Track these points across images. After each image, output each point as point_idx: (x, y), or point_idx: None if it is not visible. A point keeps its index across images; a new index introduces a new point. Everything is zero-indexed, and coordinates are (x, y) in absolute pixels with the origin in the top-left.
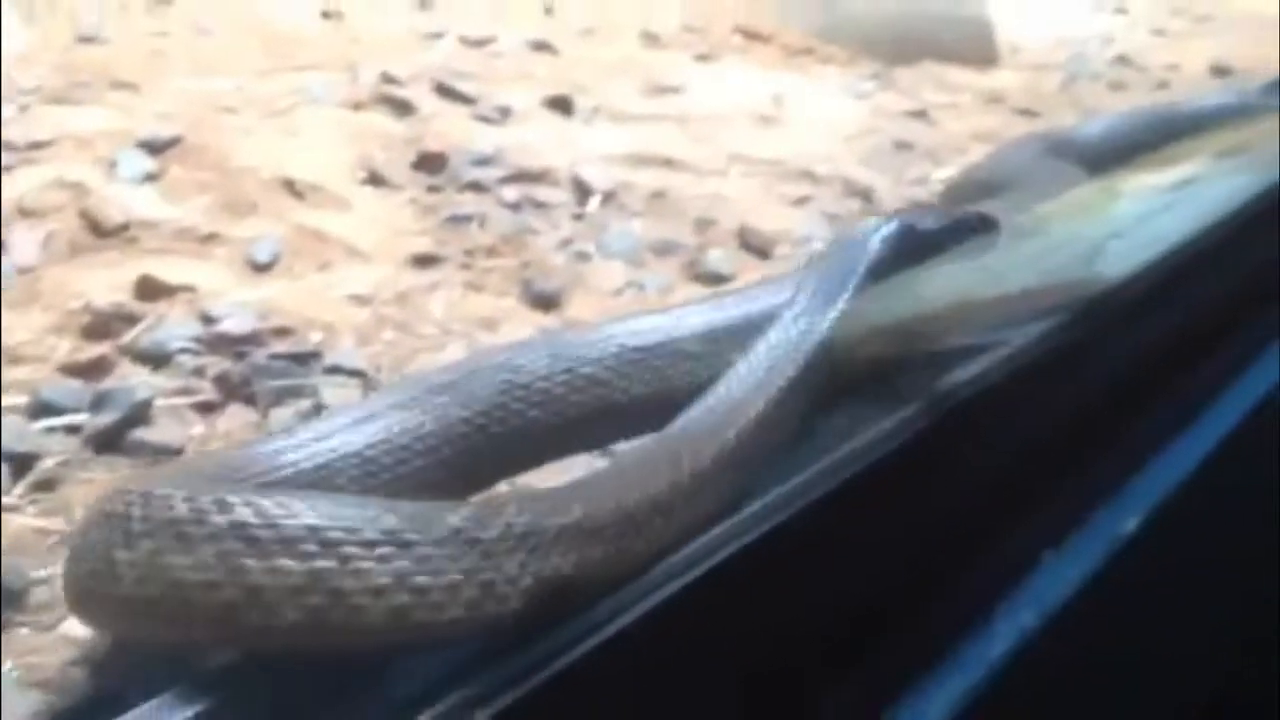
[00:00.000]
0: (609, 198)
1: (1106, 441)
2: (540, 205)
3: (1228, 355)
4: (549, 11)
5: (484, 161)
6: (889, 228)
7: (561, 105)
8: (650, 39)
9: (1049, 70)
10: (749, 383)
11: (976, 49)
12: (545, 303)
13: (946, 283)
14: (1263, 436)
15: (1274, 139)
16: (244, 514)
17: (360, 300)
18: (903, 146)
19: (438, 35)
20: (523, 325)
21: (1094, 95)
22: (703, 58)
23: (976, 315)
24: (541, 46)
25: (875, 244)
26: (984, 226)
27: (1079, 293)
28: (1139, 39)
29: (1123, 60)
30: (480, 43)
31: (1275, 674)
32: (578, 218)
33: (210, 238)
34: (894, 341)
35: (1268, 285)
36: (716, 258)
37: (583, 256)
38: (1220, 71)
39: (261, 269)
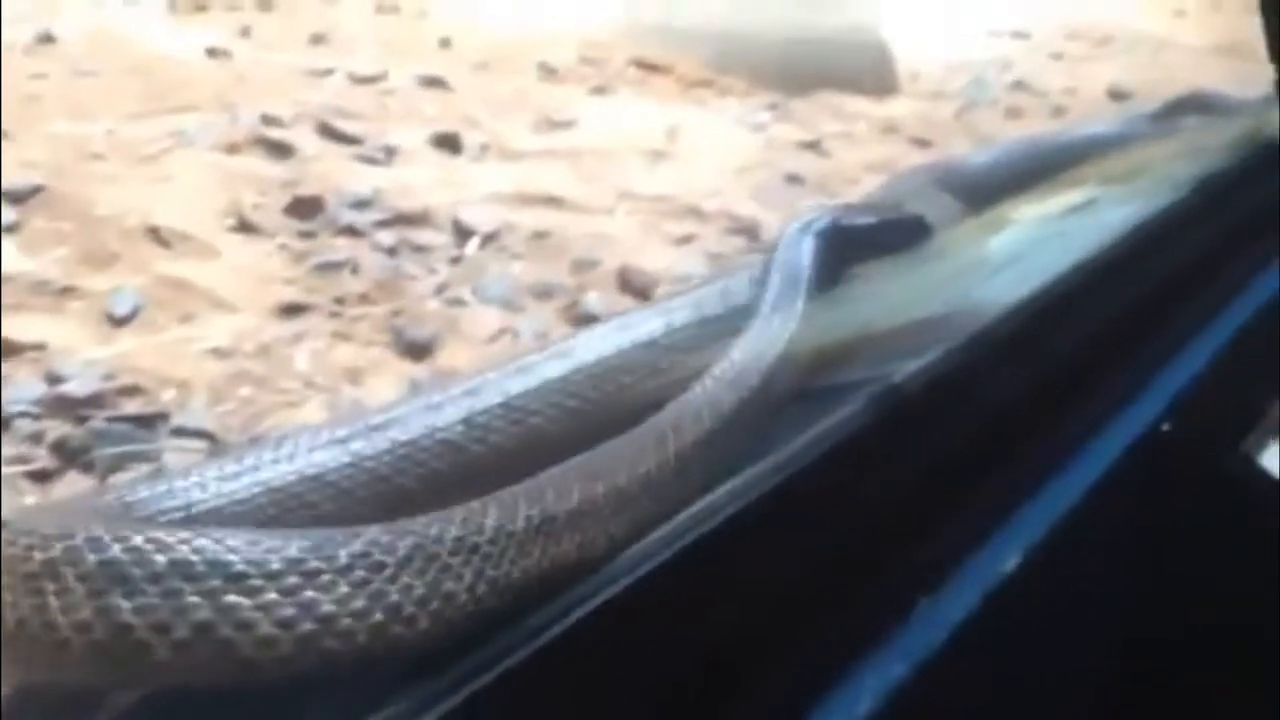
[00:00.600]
0: (490, 239)
1: (985, 479)
2: (418, 249)
3: (1110, 390)
4: (445, 44)
5: (362, 204)
6: (821, 224)
7: (449, 143)
8: (547, 72)
9: (946, 98)
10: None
11: (875, 77)
12: (416, 351)
13: (838, 315)
14: (1143, 472)
15: (1162, 165)
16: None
17: (220, 354)
18: (794, 180)
19: (327, 72)
20: (390, 376)
21: (990, 122)
22: (599, 90)
23: (865, 349)
24: (434, 82)
25: (810, 246)
26: (918, 228)
27: (963, 325)
28: (1037, 63)
29: (1020, 86)
30: (370, 79)
31: (1153, 714)
32: (455, 261)
33: (67, 291)
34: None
35: (1150, 318)
36: (595, 300)
37: (457, 302)
38: (1118, 95)
39: (120, 323)
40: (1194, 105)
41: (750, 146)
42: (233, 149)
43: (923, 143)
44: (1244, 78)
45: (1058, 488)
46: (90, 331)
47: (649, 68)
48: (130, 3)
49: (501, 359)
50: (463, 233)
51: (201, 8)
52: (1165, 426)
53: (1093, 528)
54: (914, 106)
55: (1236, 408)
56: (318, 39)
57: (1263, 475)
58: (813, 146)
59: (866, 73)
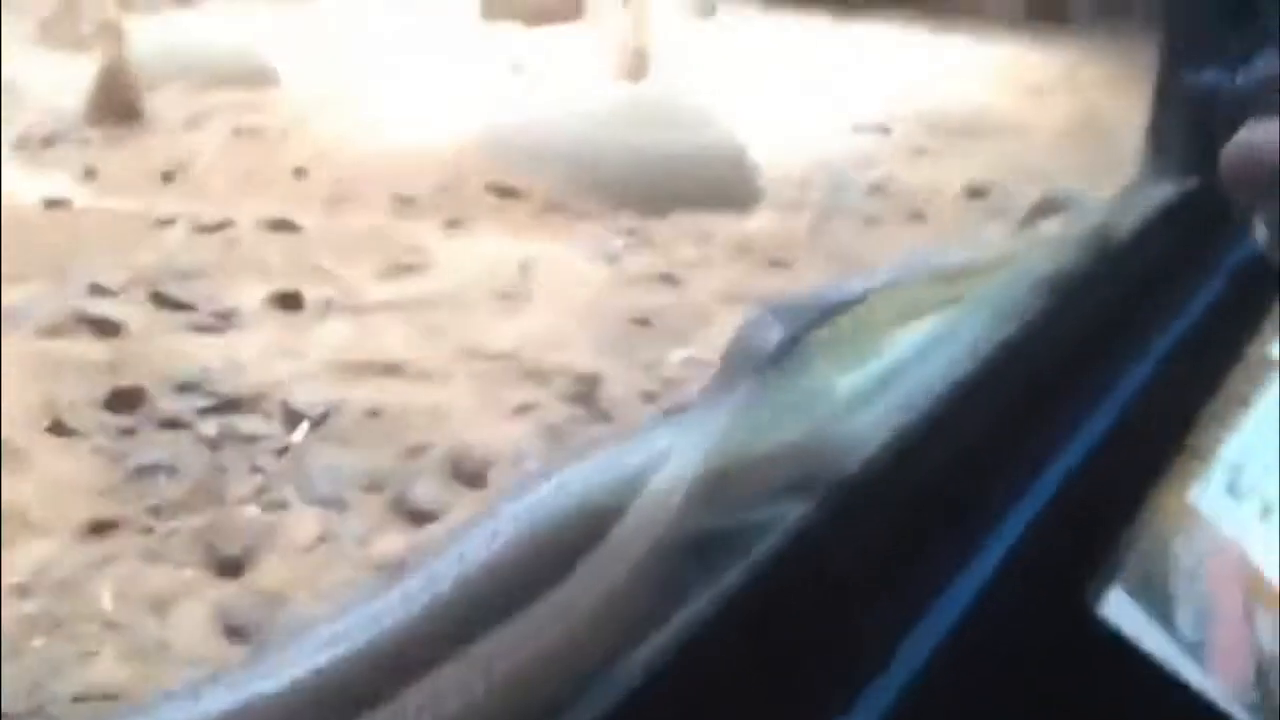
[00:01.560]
0: (319, 423)
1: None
2: (243, 439)
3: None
4: (300, 174)
5: (189, 388)
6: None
7: (290, 302)
8: (402, 203)
9: (805, 208)
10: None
11: (736, 189)
12: (231, 568)
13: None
14: (990, 625)
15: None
16: None
17: (21, 592)
18: (641, 323)
19: (169, 222)
20: (201, 602)
21: (848, 233)
22: (452, 224)
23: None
24: (281, 225)
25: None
26: None
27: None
28: (899, 161)
29: (878, 189)
30: (215, 227)
31: None
32: (282, 452)
33: None
34: None
35: (1003, 443)
36: (425, 492)
37: (278, 505)
38: (976, 193)
39: None
40: (1051, 208)
41: (602, 281)
42: (56, 331)
43: (779, 264)
44: (1100, 165)
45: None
46: None
47: (504, 192)
48: None
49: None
50: (292, 417)
51: (49, 143)
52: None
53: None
54: (771, 220)
55: (1082, 546)
56: (168, 176)
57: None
58: (666, 280)
59: (726, 186)
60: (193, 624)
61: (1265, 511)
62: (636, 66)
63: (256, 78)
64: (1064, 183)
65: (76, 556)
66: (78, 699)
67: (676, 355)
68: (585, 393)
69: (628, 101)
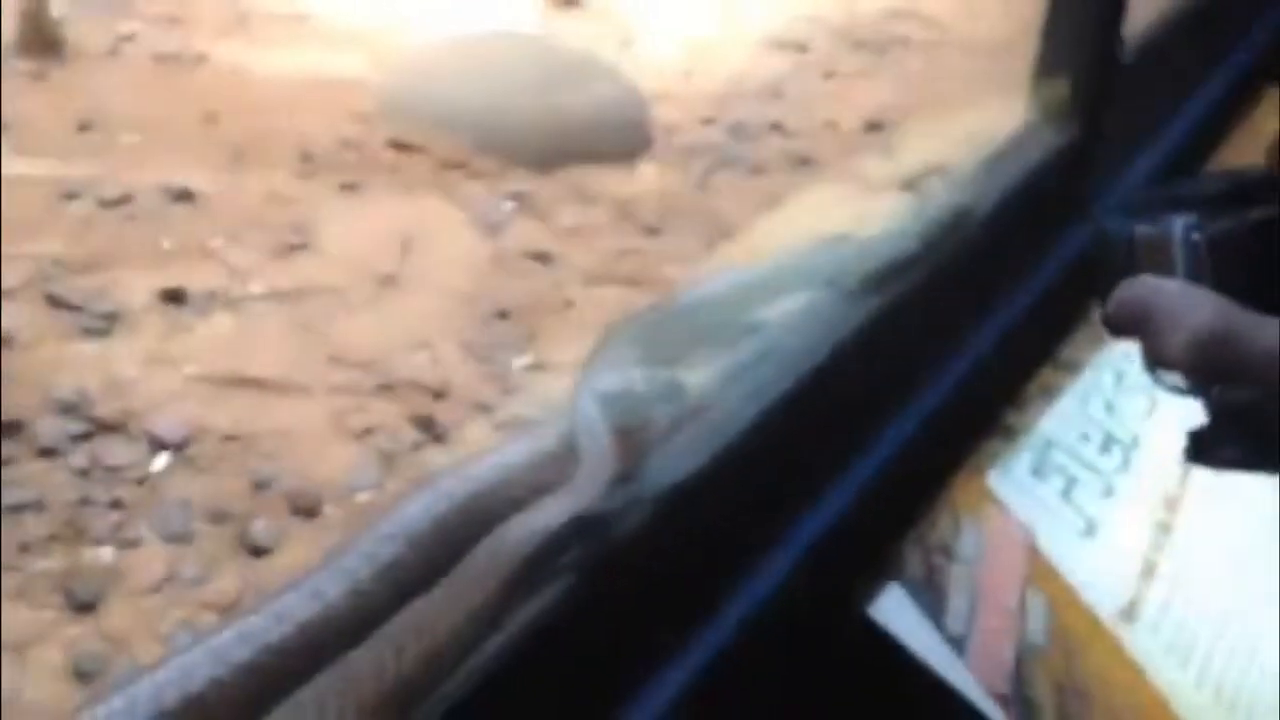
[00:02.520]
0: (180, 450)
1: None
2: (109, 470)
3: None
4: (211, 119)
5: (67, 409)
6: None
7: (175, 296)
8: (305, 160)
9: (696, 156)
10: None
11: (628, 137)
12: (85, 608)
13: None
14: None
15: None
16: None
17: None
18: (502, 316)
19: (75, 195)
20: (56, 645)
21: (731, 187)
22: (348, 187)
23: None
24: (182, 196)
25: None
26: None
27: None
28: (807, 86)
29: (777, 127)
30: (118, 201)
31: None
32: (141, 482)
33: None
34: None
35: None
36: (263, 528)
37: (131, 543)
38: (872, 127)
39: None
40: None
41: (480, 260)
42: None
43: (654, 232)
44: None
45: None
46: None
47: (404, 148)
48: None
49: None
50: (155, 444)
51: None
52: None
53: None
54: (659, 176)
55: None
56: (84, 126)
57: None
58: (539, 257)
59: (619, 135)
60: (47, 668)
61: (1067, 489)
62: None
63: None
64: (968, 113)
65: None
66: None
67: (520, 360)
68: (427, 413)
69: (539, 46)
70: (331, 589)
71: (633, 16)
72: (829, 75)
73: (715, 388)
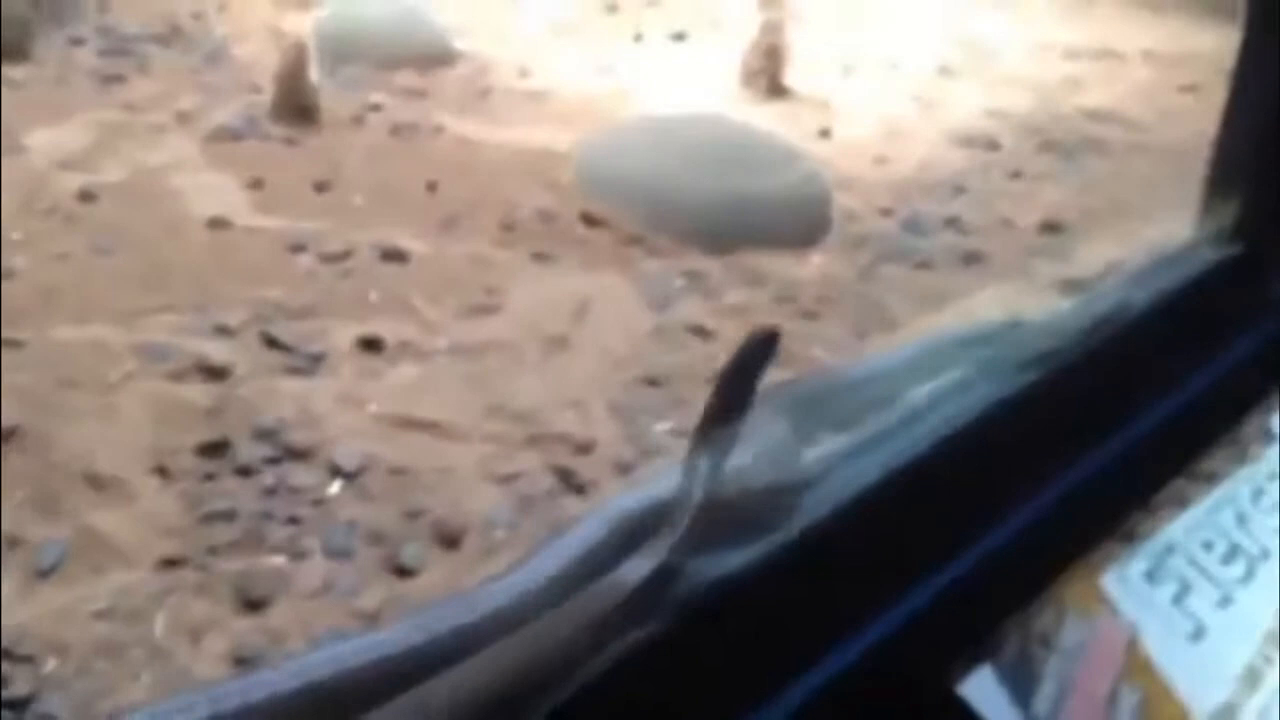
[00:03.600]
0: (353, 478)
1: None
2: (292, 490)
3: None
4: (431, 189)
5: (264, 436)
6: None
7: (373, 345)
8: (506, 229)
9: (867, 245)
10: None
11: (807, 224)
12: (254, 606)
13: None
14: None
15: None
16: None
17: (101, 616)
18: (652, 384)
19: (302, 248)
20: (225, 636)
21: (896, 280)
22: (540, 256)
23: None
24: (394, 256)
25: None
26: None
27: None
28: (990, 184)
29: (953, 222)
30: (339, 256)
31: None
32: (317, 503)
33: (13, 542)
34: None
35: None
36: (411, 553)
37: (301, 554)
38: (1049, 228)
39: (43, 575)
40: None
41: (645, 331)
42: (178, 376)
43: (811, 316)
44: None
45: None
46: (17, 586)
47: (593, 222)
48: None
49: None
50: (333, 471)
51: (239, 137)
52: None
53: None
54: (827, 261)
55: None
56: (321, 187)
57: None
58: (698, 332)
59: (796, 221)
60: (212, 654)
61: (1180, 594)
62: (768, 74)
63: (435, 58)
64: (1146, 221)
65: (147, 587)
66: None
67: (662, 425)
68: (568, 465)
69: (733, 130)
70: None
71: (836, 105)
72: (1014, 175)
73: (843, 454)
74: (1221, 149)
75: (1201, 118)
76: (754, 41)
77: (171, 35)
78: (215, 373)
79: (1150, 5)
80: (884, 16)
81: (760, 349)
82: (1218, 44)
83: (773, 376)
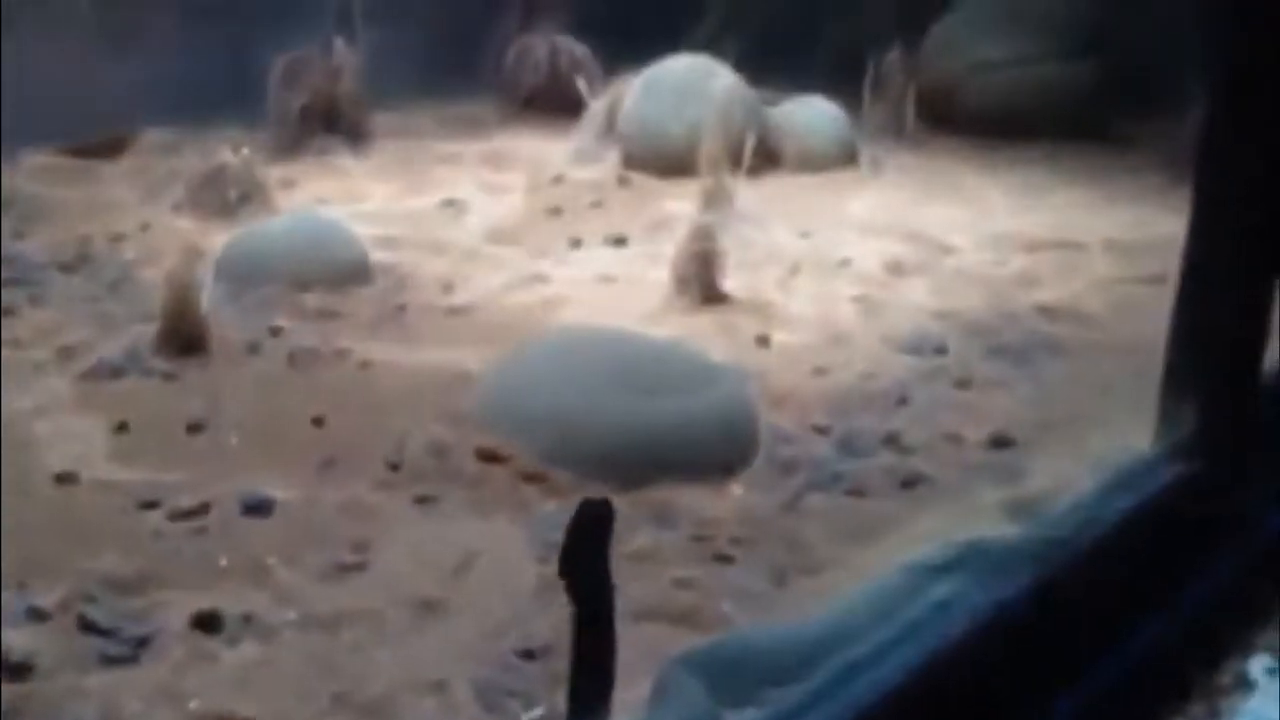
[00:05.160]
0: None
1: None
2: None
3: None
4: (318, 424)
5: None
6: None
7: (210, 622)
8: (392, 469)
9: (795, 472)
10: None
11: (730, 452)
12: None
13: None
14: None
15: None
16: None
17: None
18: (527, 656)
19: (154, 504)
20: None
21: (825, 511)
22: (424, 501)
23: None
24: (258, 508)
25: None
26: None
27: None
28: (937, 394)
29: (893, 440)
30: (194, 511)
31: None
32: None
33: None
34: None
35: None
36: None
37: None
38: (999, 444)
39: None
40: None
41: (530, 586)
42: None
43: (726, 560)
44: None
45: None
46: None
47: (490, 458)
48: None
49: None
50: None
51: (118, 374)
52: None
53: None
54: (750, 492)
55: None
56: (194, 428)
57: None
58: None
59: (719, 452)
60: None
61: None
62: (701, 280)
63: (351, 275)
64: (1102, 431)
65: None
66: None
67: (531, 713)
68: None
69: (655, 348)
70: None
71: (777, 309)
72: (962, 384)
73: None
74: (1172, 355)
75: (1165, 311)
76: (681, 247)
77: (78, 261)
78: (15, 670)
79: (1109, 195)
80: (837, 211)
81: (589, 527)
82: (1150, 220)
83: (685, 639)
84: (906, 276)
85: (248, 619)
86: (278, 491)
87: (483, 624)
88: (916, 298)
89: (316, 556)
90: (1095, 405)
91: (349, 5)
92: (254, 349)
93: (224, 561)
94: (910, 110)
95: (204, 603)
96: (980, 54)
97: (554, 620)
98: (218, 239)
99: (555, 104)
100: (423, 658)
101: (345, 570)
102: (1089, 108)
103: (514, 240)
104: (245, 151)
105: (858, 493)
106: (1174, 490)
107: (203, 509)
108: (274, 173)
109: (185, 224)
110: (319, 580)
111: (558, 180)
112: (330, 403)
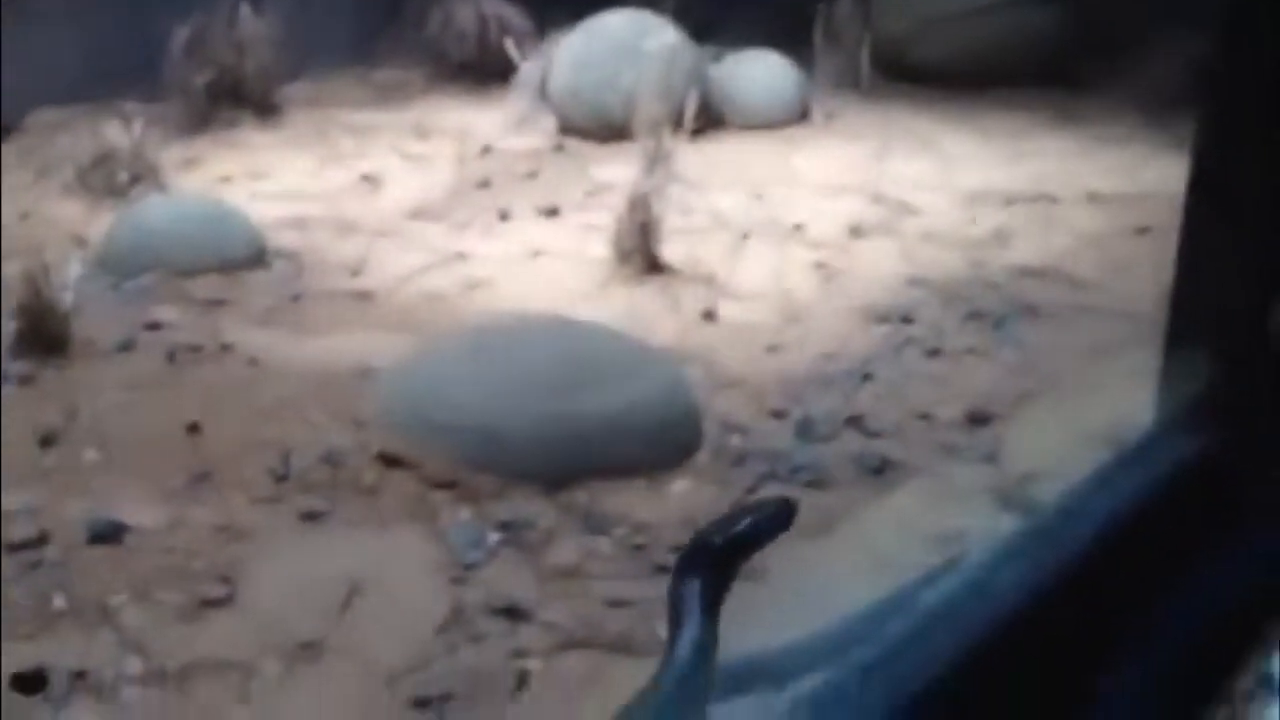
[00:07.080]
0: None
1: None
2: None
3: None
4: (193, 431)
5: None
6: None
7: (31, 683)
8: (276, 480)
9: (749, 463)
10: None
11: (665, 445)
12: None
13: None
14: None
15: None
16: None
17: None
18: (423, 704)
19: None
20: None
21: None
22: (310, 516)
23: None
24: (108, 535)
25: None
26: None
27: None
28: (906, 368)
29: (855, 422)
30: (31, 543)
31: None
32: None
33: None
34: None
35: None
36: None
37: None
38: (976, 420)
39: None
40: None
41: (430, 618)
42: None
43: (665, 570)
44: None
45: None
46: None
47: (393, 463)
48: None
49: None
50: None
51: None
52: None
53: None
54: (694, 489)
55: None
56: (47, 440)
57: None
58: (508, 614)
59: (652, 446)
60: None
61: None
62: (641, 251)
63: (247, 259)
64: (1091, 401)
65: None
66: None
67: None
68: None
69: (578, 334)
70: None
71: (725, 280)
72: (933, 354)
73: None
74: (1176, 312)
75: (1152, 264)
76: (619, 217)
77: None
78: None
79: (1081, 142)
80: (789, 171)
81: (777, 518)
82: (1173, 176)
83: (608, 672)
84: (868, 239)
85: (79, 677)
86: (135, 514)
87: (370, 668)
88: (880, 262)
89: (173, 592)
90: (1083, 373)
91: None
92: (126, 346)
93: (58, 603)
94: (866, 61)
95: (27, 658)
96: (939, 3)
97: (458, 660)
98: (104, 224)
99: (485, 69)
100: (291, 718)
101: (206, 607)
102: (1055, 53)
103: (436, 216)
104: (137, 129)
105: (818, 484)
106: (1173, 476)
107: (41, 540)
108: (175, 151)
109: (72, 209)
110: (174, 621)
111: (486, 150)
112: (210, 406)
